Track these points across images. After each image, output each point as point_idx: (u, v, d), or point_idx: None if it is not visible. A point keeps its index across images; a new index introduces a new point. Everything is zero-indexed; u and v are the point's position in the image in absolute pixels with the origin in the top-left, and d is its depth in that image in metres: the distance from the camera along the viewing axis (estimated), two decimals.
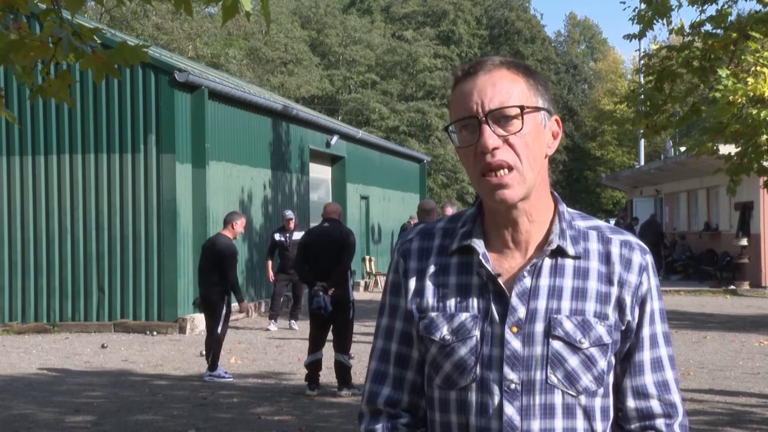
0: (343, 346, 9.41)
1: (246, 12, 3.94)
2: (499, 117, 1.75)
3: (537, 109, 1.79)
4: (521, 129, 1.75)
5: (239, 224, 10.58)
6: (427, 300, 1.85)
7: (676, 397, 1.87)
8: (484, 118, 1.75)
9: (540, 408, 1.76)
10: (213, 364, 10.32)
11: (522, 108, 1.76)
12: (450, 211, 12.90)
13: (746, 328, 15.04)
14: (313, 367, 9.37)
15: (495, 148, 1.74)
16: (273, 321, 15.19)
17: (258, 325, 15.65)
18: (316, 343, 9.41)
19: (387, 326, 1.93)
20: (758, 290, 22.22)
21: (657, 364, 1.86)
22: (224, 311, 10.33)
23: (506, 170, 1.74)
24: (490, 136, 1.74)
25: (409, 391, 1.90)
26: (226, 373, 10.41)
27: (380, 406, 1.90)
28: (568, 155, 56.42)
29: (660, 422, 1.85)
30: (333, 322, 9.44)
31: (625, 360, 1.86)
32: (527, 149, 1.76)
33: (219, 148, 15.86)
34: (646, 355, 1.86)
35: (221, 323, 10.30)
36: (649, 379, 1.85)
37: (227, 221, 10.59)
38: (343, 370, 9.38)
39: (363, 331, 13.57)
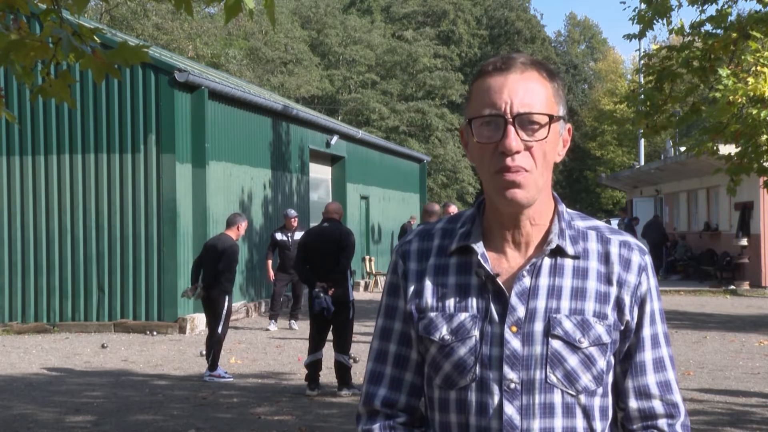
0: (343, 346, 9.41)
1: (249, 10, 3.94)
2: (526, 122, 1.75)
3: (559, 118, 1.80)
4: (545, 138, 1.76)
5: (243, 226, 10.61)
6: (426, 300, 1.85)
7: (677, 397, 1.88)
8: (511, 120, 1.74)
9: (540, 407, 1.77)
10: (213, 364, 10.32)
11: (551, 117, 1.76)
12: (453, 209, 12.89)
13: (746, 328, 15.03)
14: (313, 367, 9.37)
15: (516, 152, 1.74)
16: (273, 321, 15.19)
17: (258, 325, 15.64)
18: (316, 343, 9.41)
19: (384, 327, 1.93)
20: (758, 290, 22.22)
21: (659, 365, 1.87)
22: (225, 311, 10.32)
23: (522, 172, 1.74)
24: (515, 139, 1.73)
25: (407, 392, 1.91)
26: (226, 373, 10.40)
27: (377, 407, 1.91)
28: (568, 155, 56.22)
29: (662, 422, 1.86)
30: (333, 322, 9.44)
31: (626, 360, 1.86)
32: (544, 157, 1.77)
33: (219, 148, 15.86)
34: (648, 356, 1.86)
35: (222, 323, 10.30)
36: (651, 380, 1.86)
37: (233, 222, 10.57)
38: (343, 370, 9.38)
39: (363, 331, 13.56)
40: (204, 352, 11.77)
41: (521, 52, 1.84)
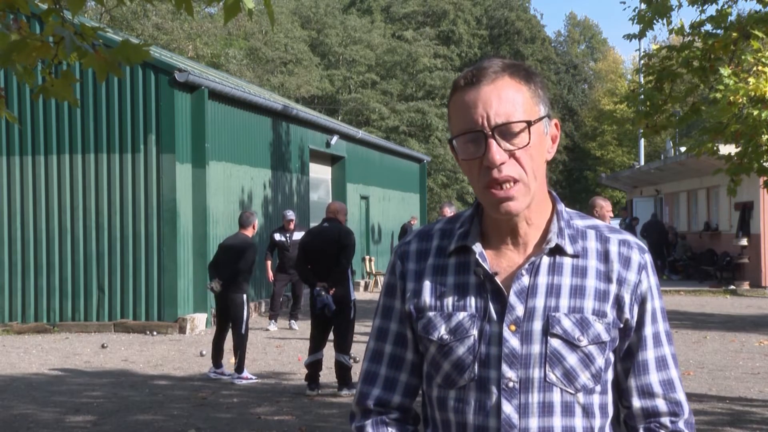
0: (343, 346, 9.41)
1: (248, 10, 3.94)
2: (506, 131, 1.74)
3: (540, 118, 1.79)
4: (528, 143, 1.74)
5: (256, 225, 10.82)
6: (425, 300, 1.86)
7: (681, 395, 1.88)
8: (490, 133, 1.73)
9: (538, 406, 1.77)
10: (240, 366, 10.27)
11: (529, 123, 1.75)
12: (448, 211, 12.89)
13: (746, 328, 15.04)
14: (313, 367, 9.37)
15: (502, 163, 1.73)
16: (273, 321, 15.19)
17: (258, 325, 15.64)
18: (316, 343, 9.41)
19: (381, 328, 1.94)
20: (758, 290, 22.22)
21: (662, 363, 1.86)
22: (245, 313, 10.38)
23: (511, 183, 1.74)
24: (498, 152, 1.72)
25: (401, 393, 1.91)
26: (251, 375, 10.40)
27: (370, 406, 1.92)
28: (568, 155, 56.40)
29: (666, 420, 1.86)
30: (334, 322, 9.44)
31: (628, 359, 1.86)
32: (532, 161, 1.76)
33: (219, 148, 15.86)
34: (650, 354, 1.86)
35: (244, 324, 10.35)
36: (654, 378, 1.86)
37: (248, 222, 10.53)
38: (343, 370, 9.38)
39: (364, 331, 13.56)
40: (203, 352, 11.79)
41: (495, 57, 1.80)
